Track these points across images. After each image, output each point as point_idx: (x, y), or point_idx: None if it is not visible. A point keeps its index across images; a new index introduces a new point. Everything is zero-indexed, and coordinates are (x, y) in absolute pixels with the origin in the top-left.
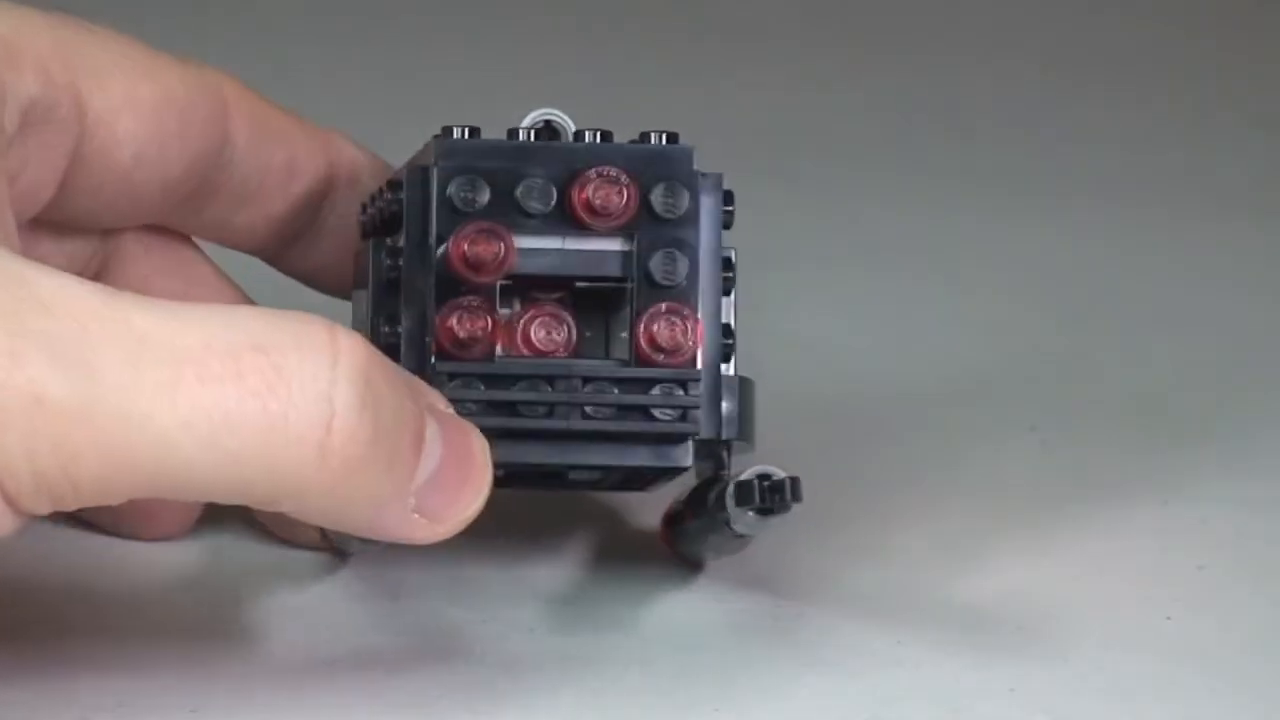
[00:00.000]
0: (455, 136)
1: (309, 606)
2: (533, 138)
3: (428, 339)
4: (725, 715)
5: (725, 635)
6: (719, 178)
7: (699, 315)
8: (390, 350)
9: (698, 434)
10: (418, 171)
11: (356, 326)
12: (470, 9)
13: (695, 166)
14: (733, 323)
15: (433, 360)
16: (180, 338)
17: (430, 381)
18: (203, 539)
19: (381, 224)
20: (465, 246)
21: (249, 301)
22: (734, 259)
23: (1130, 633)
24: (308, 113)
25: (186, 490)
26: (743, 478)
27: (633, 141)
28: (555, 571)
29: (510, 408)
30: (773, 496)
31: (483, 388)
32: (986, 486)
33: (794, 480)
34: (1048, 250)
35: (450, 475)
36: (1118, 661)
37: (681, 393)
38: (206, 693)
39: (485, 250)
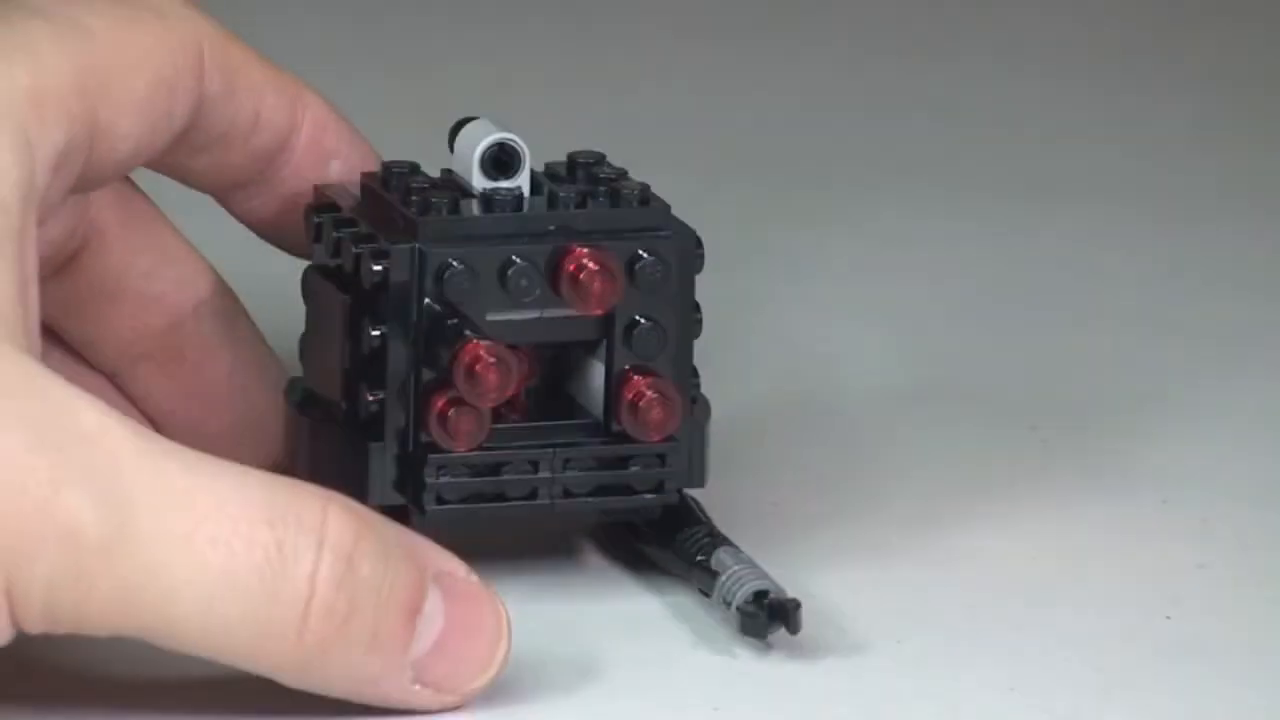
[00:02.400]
0: (437, 214)
1: None
2: (490, 166)
3: (413, 426)
4: (725, 715)
5: (724, 634)
6: (692, 231)
7: (678, 384)
8: (374, 419)
9: (674, 501)
10: (406, 254)
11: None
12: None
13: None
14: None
15: (425, 455)
16: (200, 494)
17: (420, 473)
18: None
19: (349, 276)
20: (476, 369)
21: (213, 273)
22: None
23: (1130, 632)
24: None
25: (172, 642)
26: (747, 607)
27: (591, 194)
28: (551, 571)
29: (498, 494)
30: (775, 623)
31: (469, 476)
32: (986, 486)
33: (796, 604)
34: (1048, 249)
35: (453, 646)
36: (1118, 661)
37: (660, 465)
38: (208, 690)
39: (492, 380)
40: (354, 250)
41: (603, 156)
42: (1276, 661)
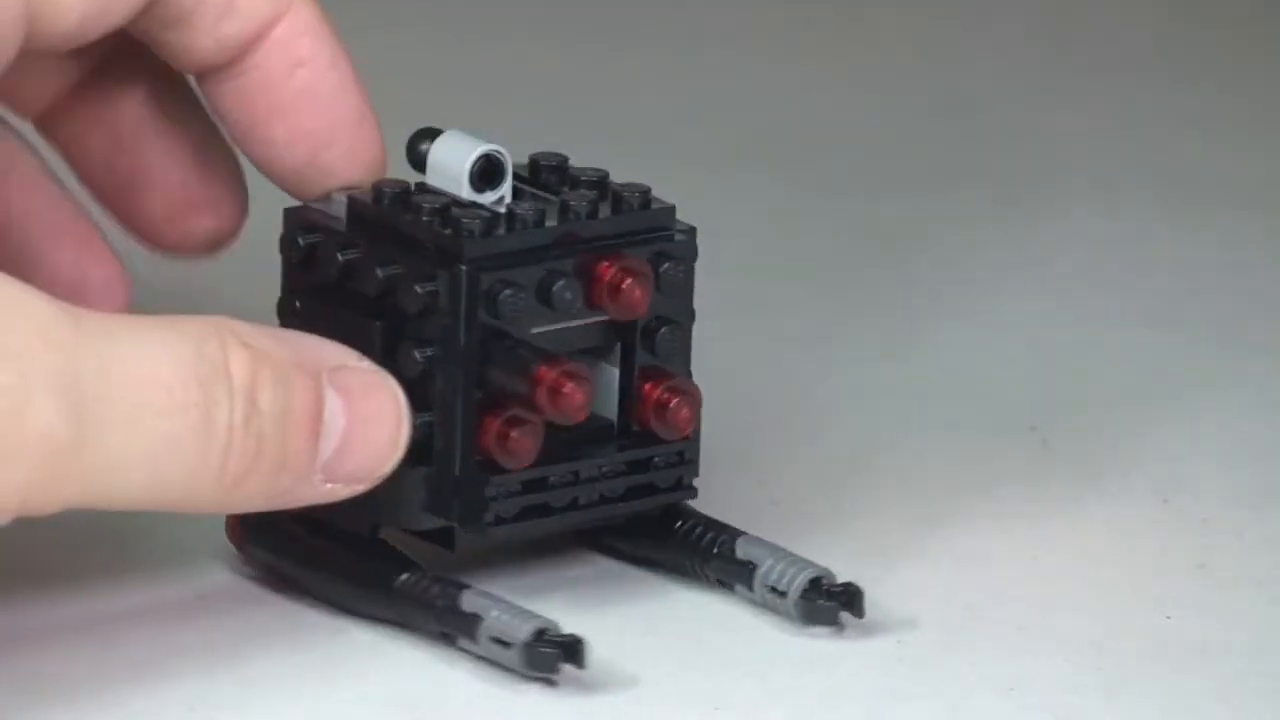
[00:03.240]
0: (471, 235)
1: (308, 608)
2: (479, 179)
3: (468, 447)
4: (725, 714)
5: (724, 634)
6: (692, 228)
7: (695, 383)
8: (423, 441)
9: (693, 495)
10: (452, 277)
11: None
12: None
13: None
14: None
15: (487, 477)
16: (134, 366)
17: (473, 496)
18: (202, 537)
19: (374, 300)
20: (564, 389)
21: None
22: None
23: (1130, 632)
24: None
25: (116, 506)
26: (810, 596)
27: (601, 201)
28: (550, 570)
29: (545, 507)
30: (838, 610)
31: (522, 493)
32: (986, 486)
33: (859, 590)
34: (1048, 247)
35: (359, 441)
36: (1118, 661)
37: (679, 461)
38: (206, 692)
39: (579, 398)
40: (380, 273)
41: (566, 159)
42: (1276, 661)
